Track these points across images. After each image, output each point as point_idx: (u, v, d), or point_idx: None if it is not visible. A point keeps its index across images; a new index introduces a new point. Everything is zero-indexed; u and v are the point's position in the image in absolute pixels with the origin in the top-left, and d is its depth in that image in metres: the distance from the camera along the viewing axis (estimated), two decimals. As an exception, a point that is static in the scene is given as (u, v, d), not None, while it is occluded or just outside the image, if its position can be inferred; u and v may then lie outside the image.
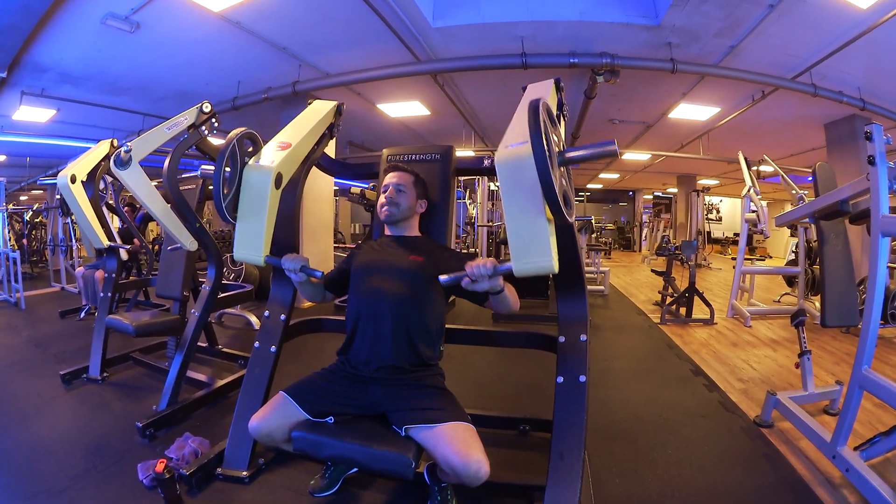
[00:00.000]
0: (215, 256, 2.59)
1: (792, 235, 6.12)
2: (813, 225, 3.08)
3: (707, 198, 12.84)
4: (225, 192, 1.60)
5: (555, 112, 1.55)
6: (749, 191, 5.74)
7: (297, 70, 4.73)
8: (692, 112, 6.31)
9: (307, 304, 5.32)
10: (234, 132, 1.64)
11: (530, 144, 1.15)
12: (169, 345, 2.89)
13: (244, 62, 4.57)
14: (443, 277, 1.40)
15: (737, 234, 17.94)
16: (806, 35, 3.86)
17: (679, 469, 2.26)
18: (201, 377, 2.82)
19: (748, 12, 3.49)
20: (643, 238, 16.86)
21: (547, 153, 1.13)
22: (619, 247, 18.07)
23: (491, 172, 2.43)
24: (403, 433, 1.53)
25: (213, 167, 1.68)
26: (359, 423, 1.60)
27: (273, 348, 2.05)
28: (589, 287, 6.78)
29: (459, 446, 1.44)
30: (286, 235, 2.01)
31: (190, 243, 2.53)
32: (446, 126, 7.21)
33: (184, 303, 2.84)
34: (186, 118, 2.39)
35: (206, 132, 2.42)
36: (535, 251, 1.27)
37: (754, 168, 6.09)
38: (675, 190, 14.88)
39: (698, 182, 13.24)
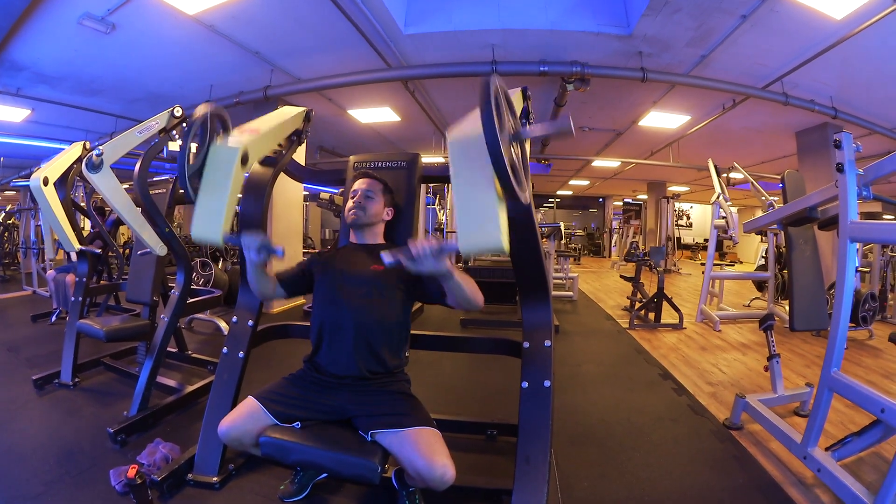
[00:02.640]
0: (184, 261, 2.58)
1: (762, 241, 6.24)
2: (782, 231, 3.15)
3: (677, 204, 13.03)
4: (191, 164, 1.56)
5: (518, 117, 1.56)
6: (718, 197, 5.85)
7: (269, 74, 4.74)
8: (663, 120, 6.40)
9: (276, 308, 5.33)
10: (203, 106, 1.62)
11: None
12: (139, 350, 2.88)
13: (217, 65, 4.56)
14: (385, 255, 1.33)
15: (707, 240, 18.32)
16: (778, 45, 3.94)
17: (648, 472, 2.27)
18: (171, 383, 2.81)
19: (720, 22, 3.55)
20: (613, 244, 17.07)
21: (497, 125, 1.13)
22: (589, 252, 18.30)
23: (444, 180, 2.44)
24: (370, 438, 1.55)
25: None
26: (325, 429, 1.61)
27: (241, 354, 2.05)
28: (558, 293, 7.03)
29: (425, 450, 1.47)
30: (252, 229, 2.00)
31: (160, 248, 2.52)
32: (416, 132, 7.25)
33: (154, 308, 2.81)
34: (158, 122, 2.39)
35: (177, 137, 2.40)
36: (483, 228, 1.22)
37: (724, 175, 6.21)
38: (645, 196, 15.07)
39: (668, 189, 13.44)
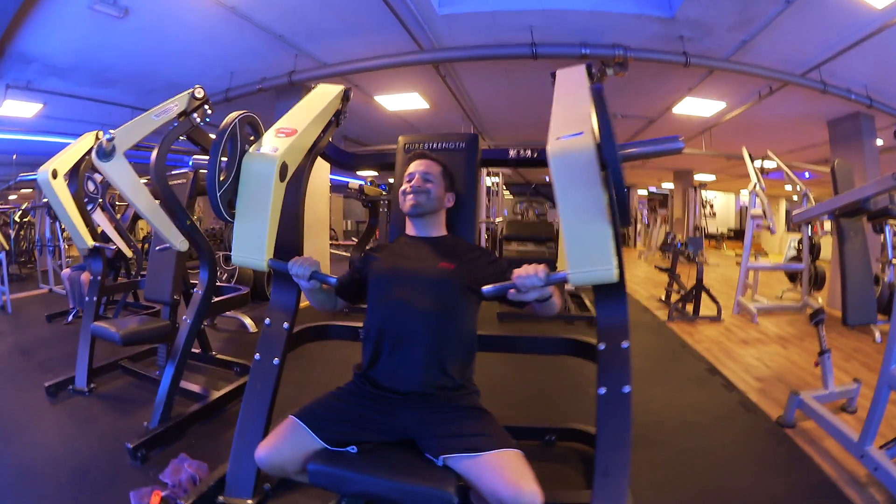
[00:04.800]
0: (208, 257, 2.36)
1: (789, 231, 6.07)
2: (832, 222, 3.02)
3: (703, 193, 12.76)
4: (220, 180, 1.41)
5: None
6: (755, 187, 5.69)
7: (293, 60, 4.53)
8: (697, 107, 6.20)
9: (303, 302, 5.13)
10: (232, 115, 1.45)
11: (592, 135, 1.00)
12: (160, 352, 2.68)
13: (238, 51, 4.36)
14: (487, 288, 1.27)
15: (731, 230, 18.08)
16: (819, 32, 3.79)
17: (712, 476, 2.19)
18: (195, 388, 2.60)
19: (764, 7, 3.41)
20: (637, 234, 16.78)
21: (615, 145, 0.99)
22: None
23: (517, 164, 2.22)
24: (441, 463, 1.32)
25: (206, 158, 1.50)
26: (386, 453, 1.39)
27: (276, 360, 1.79)
28: None
29: (510, 477, 1.24)
30: (290, 236, 1.81)
31: (180, 243, 2.31)
32: (444, 121, 7.03)
33: (174, 307, 2.63)
34: (177, 104, 2.17)
35: (199, 120, 2.19)
36: (594, 259, 1.15)
37: (757, 164, 6.03)
38: (671, 185, 14.76)
39: (694, 178, 13.11)
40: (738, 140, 6.59)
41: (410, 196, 1.67)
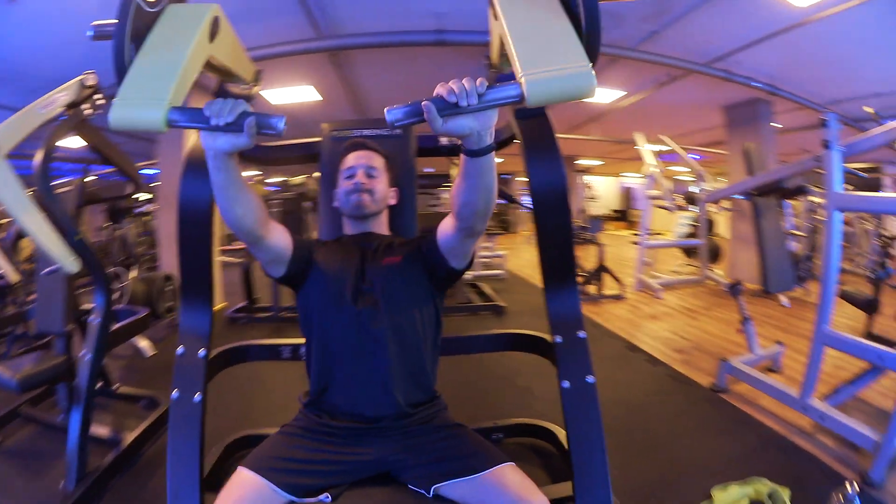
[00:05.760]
0: (102, 277, 2.01)
1: (681, 209, 6.51)
2: (746, 201, 3.25)
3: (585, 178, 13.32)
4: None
5: None
6: (651, 169, 6.06)
7: None
8: (596, 94, 6.30)
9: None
10: None
11: None
12: (59, 394, 2.29)
13: None
14: (391, 109, 0.87)
15: (614, 211, 19.13)
16: (732, 25, 3.97)
17: (662, 448, 2.29)
18: (103, 431, 2.24)
19: (680, 1, 3.50)
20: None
21: None
22: (500, 229, 18.57)
23: (450, 153, 2.04)
24: (431, 494, 1.17)
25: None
26: (366, 495, 1.21)
27: (198, 396, 1.50)
28: (487, 272, 6.82)
29: (516, 492, 1.13)
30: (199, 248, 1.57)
31: (70, 262, 1.93)
32: (332, 114, 6.61)
33: (69, 339, 2.26)
34: (65, 93, 1.83)
35: (89, 112, 1.85)
36: (560, 55, 0.82)
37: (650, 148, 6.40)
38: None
39: (577, 163, 13.55)
40: (629, 125, 6.88)
41: (353, 195, 1.46)
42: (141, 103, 0.91)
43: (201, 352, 1.59)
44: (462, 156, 1.01)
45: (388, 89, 5.76)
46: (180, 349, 1.59)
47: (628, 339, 4.01)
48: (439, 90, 0.87)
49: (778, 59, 4.64)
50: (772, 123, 6.39)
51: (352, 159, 1.51)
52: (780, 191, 2.90)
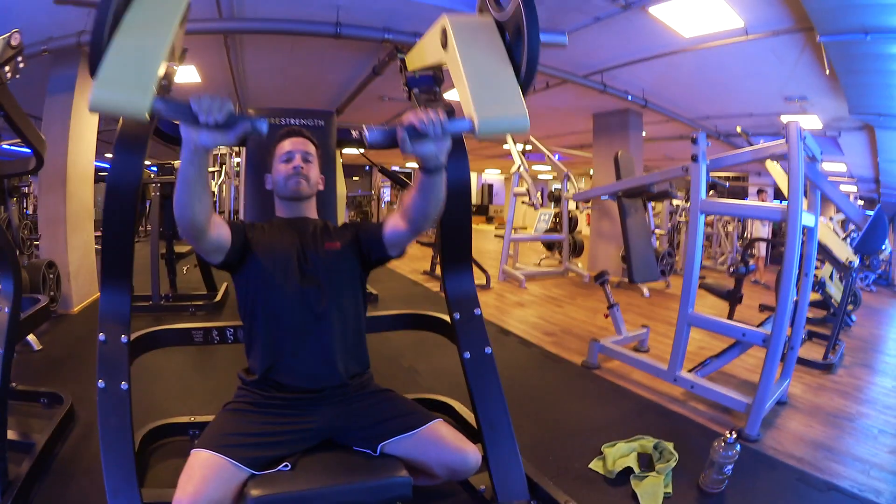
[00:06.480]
0: (13, 263, 1.75)
1: (545, 207, 7.04)
2: (612, 200, 3.67)
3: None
4: None
5: None
6: (519, 168, 6.40)
7: (85, 17, 3.57)
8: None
9: (76, 308, 4.19)
10: None
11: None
12: None
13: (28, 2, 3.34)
14: (372, 130, 1.07)
15: (475, 206, 20.12)
16: (616, 45, 4.33)
17: (555, 414, 2.54)
18: (13, 435, 1.91)
19: (571, 18, 3.76)
20: (381, 211, 17.61)
21: None
22: (360, 220, 18.45)
23: (360, 145, 2.10)
24: (378, 452, 1.32)
25: None
26: (320, 460, 1.30)
27: (124, 384, 1.46)
28: None
29: (451, 443, 1.34)
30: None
31: None
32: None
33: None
34: None
35: (9, 76, 1.63)
36: (505, 102, 1.05)
37: (521, 149, 6.78)
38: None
39: None
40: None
41: (292, 179, 1.51)
42: (125, 88, 0.90)
43: (123, 337, 1.54)
44: (420, 173, 1.20)
45: (268, 71, 5.60)
46: (101, 336, 1.53)
47: (499, 324, 4.26)
48: (412, 119, 1.05)
49: (654, 77, 5.13)
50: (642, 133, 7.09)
51: (288, 145, 1.56)
52: (647, 194, 3.33)
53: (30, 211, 5.89)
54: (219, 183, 7.22)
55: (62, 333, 3.56)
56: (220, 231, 1.31)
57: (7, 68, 1.61)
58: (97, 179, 4.77)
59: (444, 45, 1.21)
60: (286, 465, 1.23)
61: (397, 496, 1.24)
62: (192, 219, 1.15)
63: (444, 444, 1.34)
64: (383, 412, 1.39)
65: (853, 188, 10.15)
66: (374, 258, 1.50)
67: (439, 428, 1.37)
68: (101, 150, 5.12)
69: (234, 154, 8.39)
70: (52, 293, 3.67)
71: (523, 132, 1.08)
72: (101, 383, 1.45)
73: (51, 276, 3.70)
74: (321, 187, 1.63)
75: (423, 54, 1.72)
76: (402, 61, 1.91)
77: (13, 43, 1.62)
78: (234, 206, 7.10)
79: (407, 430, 1.34)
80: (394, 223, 1.43)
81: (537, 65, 1.10)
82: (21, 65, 1.66)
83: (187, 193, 1.11)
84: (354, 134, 1.90)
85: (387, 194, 17.17)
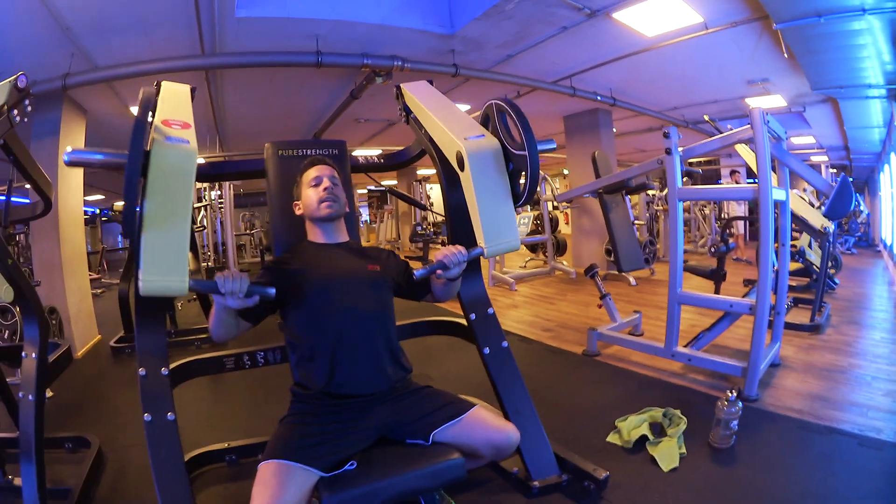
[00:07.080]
0: (38, 308, 1.79)
1: (523, 210, 7.20)
2: (593, 198, 3.83)
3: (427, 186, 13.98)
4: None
5: None
6: None
7: (69, 60, 3.61)
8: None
9: (81, 352, 4.20)
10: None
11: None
12: None
13: (12, 45, 3.37)
14: (419, 271, 1.51)
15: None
16: (583, 50, 4.50)
17: (566, 401, 2.68)
18: (48, 483, 1.84)
19: (539, 30, 3.94)
20: (360, 226, 17.66)
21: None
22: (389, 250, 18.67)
23: (367, 169, 2.44)
24: (430, 441, 1.47)
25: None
26: (381, 455, 1.44)
27: (171, 415, 1.55)
28: None
29: (494, 424, 1.52)
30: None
31: (4, 291, 1.69)
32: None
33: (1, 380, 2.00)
34: None
35: (18, 119, 1.60)
36: (505, 232, 1.44)
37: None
38: (394, 182, 14.87)
39: (418, 172, 13.90)
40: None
41: (325, 203, 1.69)
42: (166, 278, 1.17)
43: (164, 370, 1.64)
44: (443, 277, 1.53)
45: (246, 104, 5.70)
46: (142, 371, 1.60)
47: (497, 325, 4.41)
48: (442, 258, 1.46)
49: (621, 76, 5.31)
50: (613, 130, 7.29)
51: (315, 171, 1.73)
52: (625, 188, 3.52)
53: (21, 259, 5.85)
54: (199, 219, 7.24)
55: (70, 378, 3.52)
56: (254, 320, 1.52)
57: (15, 111, 1.59)
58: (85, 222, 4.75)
59: (461, 167, 1.48)
60: (352, 464, 1.36)
61: (453, 477, 1.40)
62: (228, 339, 1.49)
63: (487, 425, 1.51)
64: (429, 405, 1.55)
65: (824, 158, 10.51)
66: (403, 291, 1.77)
67: (481, 412, 1.54)
68: (85, 193, 5.11)
69: (213, 188, 8.41)
70: (55, 339, 3.68)
71: (515, 250, 1.49)
72: (147, 416, 1.53)
73: (53, 321, 3.71)
74: (348, 209, 1.81)
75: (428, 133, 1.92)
76: (398, 88, 2.12)
77: (20, 86, 1.61)
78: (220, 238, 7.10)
79: (454, 418, 1.50)
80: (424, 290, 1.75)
81: (535, 193, 1.48)
82: (29, 108, 1.66)
83: (222, 328, 1.44)
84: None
85: (364, 214, 17.47)
